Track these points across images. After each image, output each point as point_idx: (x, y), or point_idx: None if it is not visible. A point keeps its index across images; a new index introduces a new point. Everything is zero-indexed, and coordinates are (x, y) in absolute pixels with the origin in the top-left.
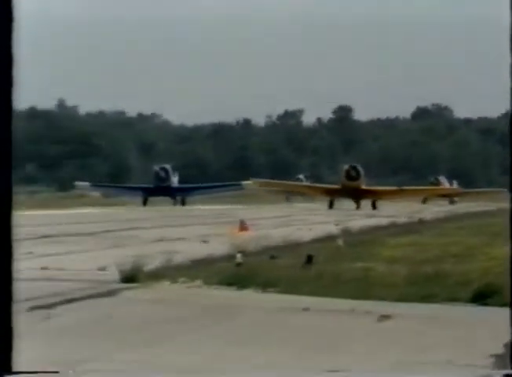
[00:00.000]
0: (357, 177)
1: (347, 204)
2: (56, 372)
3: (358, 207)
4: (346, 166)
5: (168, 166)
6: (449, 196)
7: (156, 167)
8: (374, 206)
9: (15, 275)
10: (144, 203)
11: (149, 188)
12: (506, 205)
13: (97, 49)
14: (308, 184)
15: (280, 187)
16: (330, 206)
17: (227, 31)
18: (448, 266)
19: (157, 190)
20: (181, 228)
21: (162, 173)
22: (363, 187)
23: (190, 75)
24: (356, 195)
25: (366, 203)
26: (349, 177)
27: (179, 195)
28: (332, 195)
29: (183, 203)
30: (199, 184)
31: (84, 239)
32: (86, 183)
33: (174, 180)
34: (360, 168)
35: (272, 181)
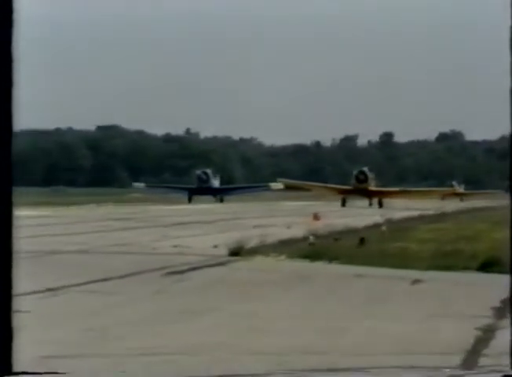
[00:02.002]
0: (365, 180)
1: (358, 203)
2: (62, 373)
3: (370, 204)
4: (355, 171)
5: (208, 170)
6: (459, 195)
7: (198, 171)
8: (380, 205)
9: (15, 275)
10: (189, 200)
11: (193, 189)
12: (501, 202)
13: (213, 90)
14: (325, 184)
15: (303, 187)
16: (343, 204)
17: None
18: (463, 245)
19: (200, 190)
20: (270, 219)
21: (203, 176)
22: (372, 188)
23: (279, 108)
24: (366, 194)
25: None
26: (358, 180)
27: (218, 194)
28: (345, 195)
29: (221, 201)
30: (234, 185)
31: (202, 226)
32: (142, 184)
33: (215, 182)
34: (367, 172)
35: (295, 181)
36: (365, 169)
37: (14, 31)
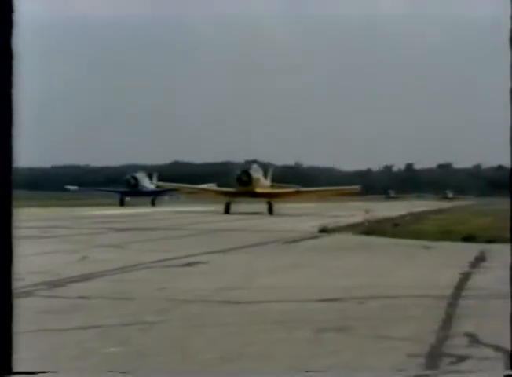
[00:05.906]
0: (249, 182)
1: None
2: (65, 373)
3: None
4: (238, 171)
5: (138, 175)
6: (450, 199)
7: (127, 176)
8: (270, 211)
9: (14, 274)
10: (121, 202)
11: (124, 191)
12: (474, 202)
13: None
14: (207, 187)
15: (186, 190)
16: (227, 210)
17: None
18: (454, 227)
19: (129, 193)
20: (339, 212)
21: (132, 181)
22: (258, 190)
23: (352, 143)
24: (252, 197)
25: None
26: (240, 181)
27: (148, 196)
28: (230, 198)
29: (153, 204)
30: (157, 189)
31: (301, 217)
32: (75, 187)
33: (148, 185)
34: (252, 172)
35: (178, 184)
36: (253, 167)
37: (14, 31)
